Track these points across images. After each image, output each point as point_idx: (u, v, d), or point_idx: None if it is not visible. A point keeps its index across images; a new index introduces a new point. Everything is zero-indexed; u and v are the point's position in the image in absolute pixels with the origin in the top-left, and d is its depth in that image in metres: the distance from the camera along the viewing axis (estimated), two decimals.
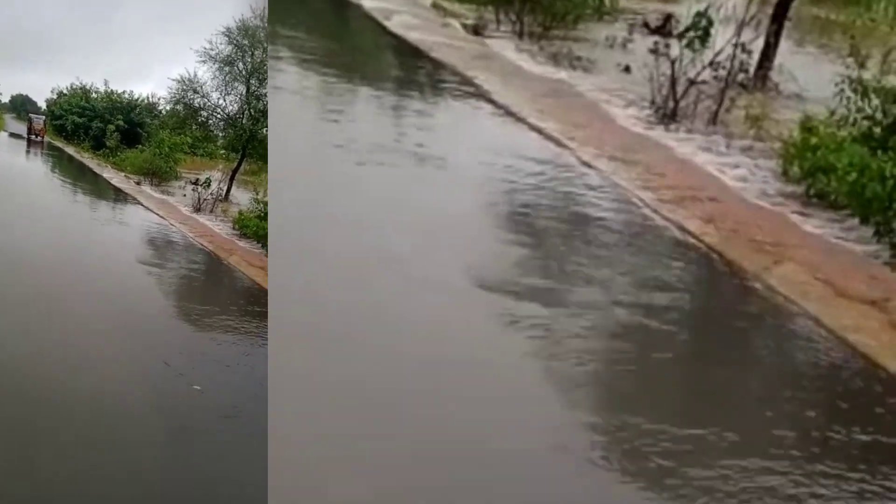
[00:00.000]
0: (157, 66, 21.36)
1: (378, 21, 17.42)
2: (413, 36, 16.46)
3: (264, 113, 16.72)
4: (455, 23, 17.61)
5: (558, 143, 11.55)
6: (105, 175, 20.90)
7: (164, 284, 12.52)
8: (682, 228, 9.26)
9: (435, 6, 18.71)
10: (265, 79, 16.71)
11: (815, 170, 10.02)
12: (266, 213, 13.73)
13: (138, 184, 19.57)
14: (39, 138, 23.27)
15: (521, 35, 16.59)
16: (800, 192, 10.18)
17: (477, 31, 16.99)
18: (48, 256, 12.23)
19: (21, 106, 24.94)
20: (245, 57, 17.15)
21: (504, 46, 16.17)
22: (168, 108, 19.59)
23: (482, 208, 9.46)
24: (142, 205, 17.91)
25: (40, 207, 16.64)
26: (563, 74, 14.60)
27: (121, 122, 21.86)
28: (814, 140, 10.19)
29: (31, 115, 23.68)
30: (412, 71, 15.23)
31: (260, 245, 13.98)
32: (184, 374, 8.38)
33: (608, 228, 9.29)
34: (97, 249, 13.99)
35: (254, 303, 11.40)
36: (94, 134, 22.20)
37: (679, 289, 8.20)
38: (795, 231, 9.33)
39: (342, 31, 18.81)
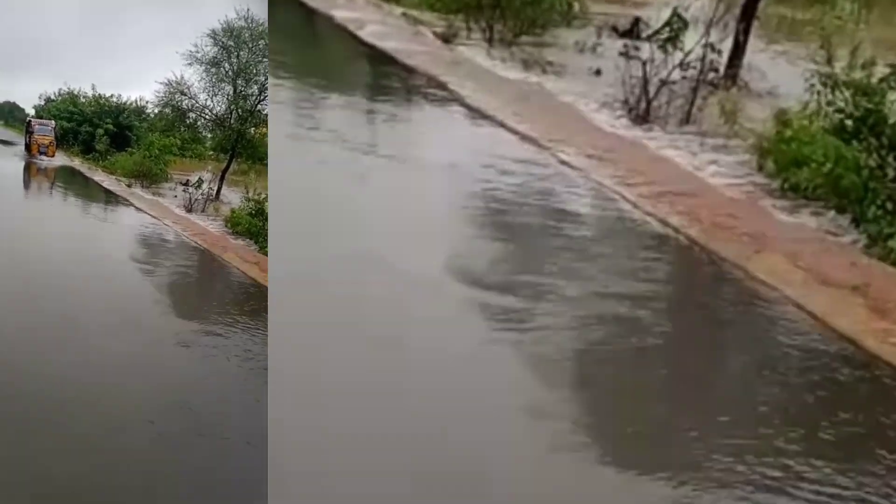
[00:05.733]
0: (148, 74, 21.36)
1: (350, 31, 17.37)
2: (385, 44, 16.46)
3: (252, 113, 17.00)
4: (426, 31, 17.63)
5: (535, 143, 11.57)
6: (96, 178, 20.30)
7: (158, 281, 12.42)
8: (664, 222, 9.32)
9: (405, 15, 18.72)
10: (251, 79, 16.96)
11: (790, 163, 10.13)
12: (257, 211, 14.39)
13: (129, 186, 19.22)
14: (46, 159, 20.25)
15: (491, 42, 16.61)
16: (774, 186, 10.27)
17: (447, 39, 17.01)
18: (45, 257, 12.03)
19: (9, 113, 23.01)
20: (231, 58, 17.19)
21: (475, 53, 16.18)
22: (156, 110, 19.42)
23: (461, 207, 9.49)
24: (134, 206, 17.82)
25: (33, 210, 16.67)
26: (535, 79, 14.63)
27: (110, 126, 21.26)
28: (788, 133, 10.32)
29: (33, 120, 20.49)
30: (386, 77, 15.22)
31: (253, 241, 14.27)
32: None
33: (587, 224, 9.35)
34: (92, 249, 13.91)
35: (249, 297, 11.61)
36: (84, 138, 21.43)
37: (661, 280, 8.26)
38: (773, 222, 9.41)
39: (315, 42, 18.85)
